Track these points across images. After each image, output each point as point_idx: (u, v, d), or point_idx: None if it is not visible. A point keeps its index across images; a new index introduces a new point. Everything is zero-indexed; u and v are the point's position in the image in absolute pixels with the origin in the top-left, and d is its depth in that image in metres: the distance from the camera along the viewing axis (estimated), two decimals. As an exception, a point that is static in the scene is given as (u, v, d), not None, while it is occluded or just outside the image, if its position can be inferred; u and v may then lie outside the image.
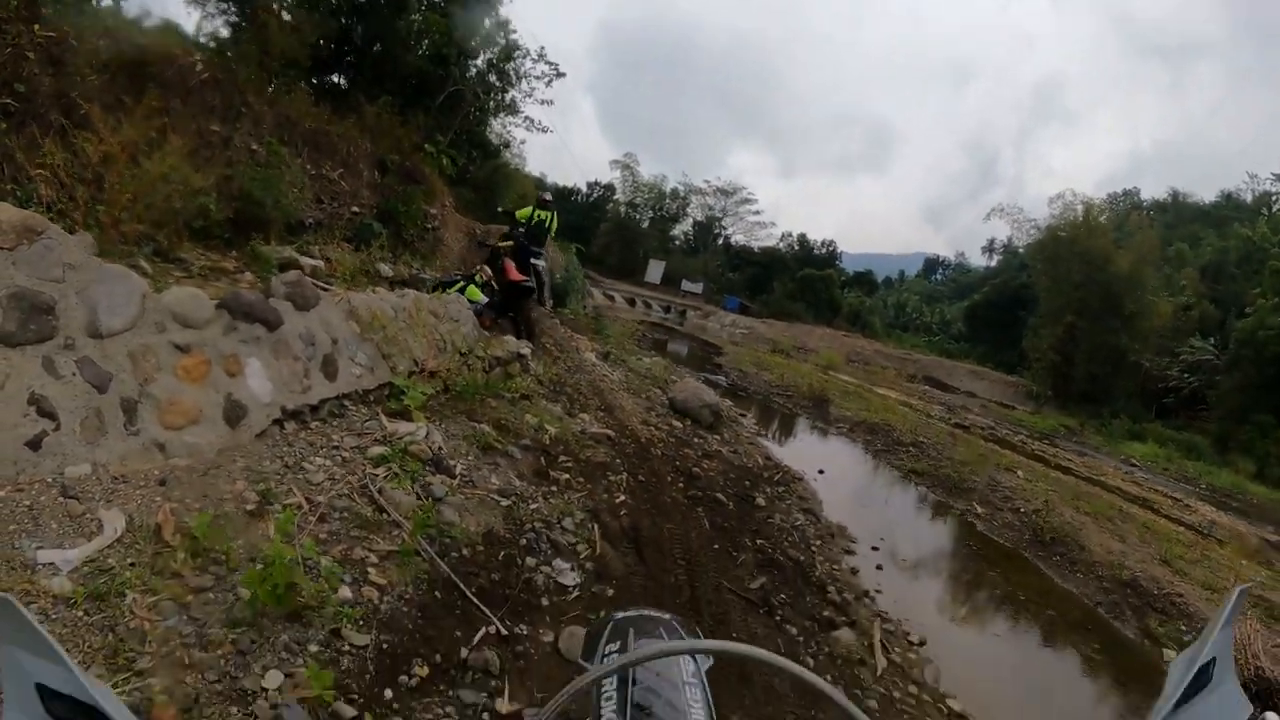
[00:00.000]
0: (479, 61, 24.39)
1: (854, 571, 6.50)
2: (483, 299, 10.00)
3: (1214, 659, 0.74)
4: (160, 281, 5.64)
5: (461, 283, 10.18)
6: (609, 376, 10.73)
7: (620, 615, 1.38)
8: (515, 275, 10.25)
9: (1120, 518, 11.28)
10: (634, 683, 1.12)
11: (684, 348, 26.55)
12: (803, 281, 54.82)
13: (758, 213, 61.55)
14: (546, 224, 11.37)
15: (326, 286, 7.16)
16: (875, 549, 7.43)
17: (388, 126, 12.14)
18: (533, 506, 5.21)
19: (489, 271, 10.45)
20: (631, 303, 39.64)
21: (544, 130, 26.85)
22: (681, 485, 7.18)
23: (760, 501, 7.39)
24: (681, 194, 60.83)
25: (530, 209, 11.37)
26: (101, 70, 6.93)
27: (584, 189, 63.98)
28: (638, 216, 60.26)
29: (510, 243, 10.80)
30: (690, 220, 62.70)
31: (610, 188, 62.17)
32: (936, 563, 8.21)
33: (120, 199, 6.02)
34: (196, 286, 5.78)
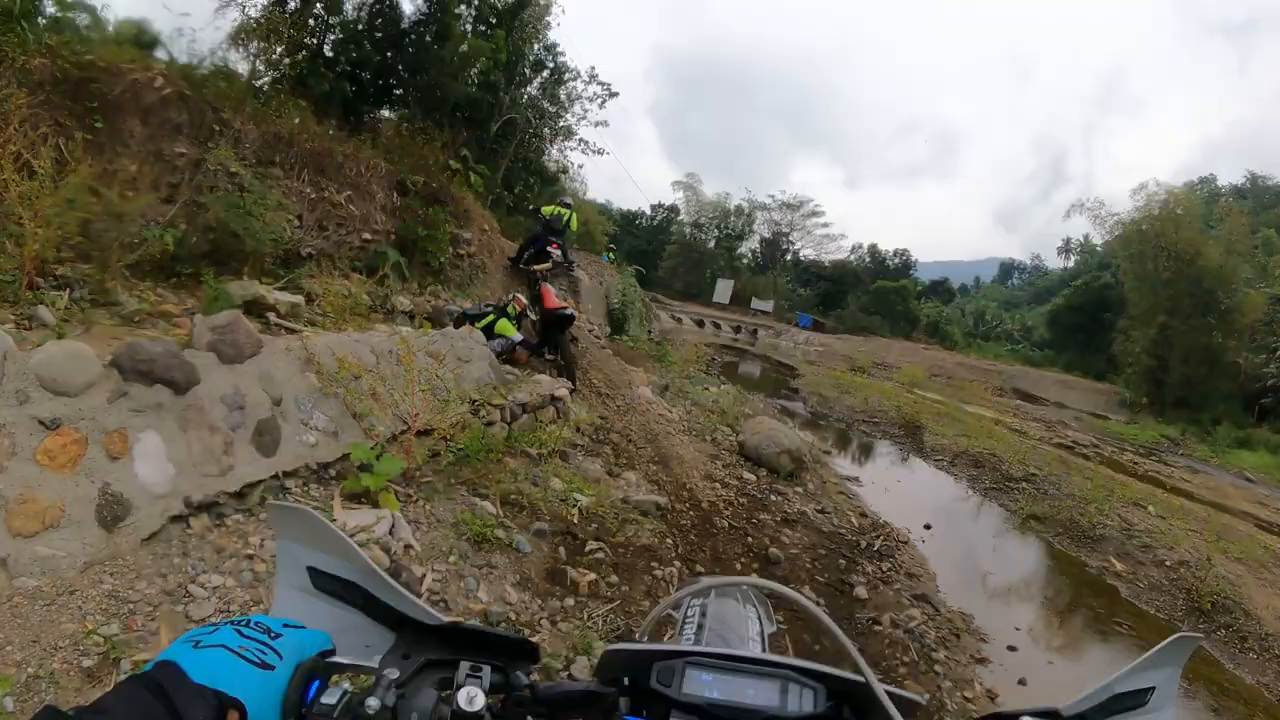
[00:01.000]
0: (531, 88, 23.74)
1: (992, 697, 4.62)
2: (516, 335, 8.48)
3: (1153, 688, 0.83)
4: (61, 330, 4.25)
5: (492, 315, 8.69)
6: (666, 415, 9.04)
7: (709, 579, 1.26)
8: (553, 302, 8.72)
9: (1275, 562, 9.06)
10: (710, 629, 1.29)
11: (756, 370, 24.74)
12: (877, 294, 52.09)
13: (826, 225, 59.03)
14: (565, 219, 12.36)
15: (294, 327, 5.70)
16: (1013, 649, 5.51)
17: (408, 144, 10.75)
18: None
19: (523, 301, 8.95)
20: (700, 324, 37.94)
21: (600, 152, 25.96)
22: (756, 574, 5.42)
23: (861, 592, 5.54)
24: (746, 210, 58.62)
25: (554, 206, 12.53)
26: (34, 93, 5.67)
27: (648, 212, 62.77)
28: (703, 236, 58.37)
29: (548, 264, 9.31)
30: (757, 237, 60.43)
31: (674, 209, 60.63)
32: (1086, 657, 6.22)
33: (32, 235, 4.66)
34: (119, 335, 4.42)
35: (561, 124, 25.47)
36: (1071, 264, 74.93)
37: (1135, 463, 16.88)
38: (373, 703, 0.66)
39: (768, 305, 48.69)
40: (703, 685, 0.80)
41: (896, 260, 61.67)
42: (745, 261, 59.81)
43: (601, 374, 9.55)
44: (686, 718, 0.79)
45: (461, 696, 0.69)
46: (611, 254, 23.41)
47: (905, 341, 45.04)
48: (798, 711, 0.79)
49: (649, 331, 18.74)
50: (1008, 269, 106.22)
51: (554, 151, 26.90)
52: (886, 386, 21.95)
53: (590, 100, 25.52)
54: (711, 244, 58.02)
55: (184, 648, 0.64)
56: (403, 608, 0.77)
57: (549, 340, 8.78)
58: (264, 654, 0.66)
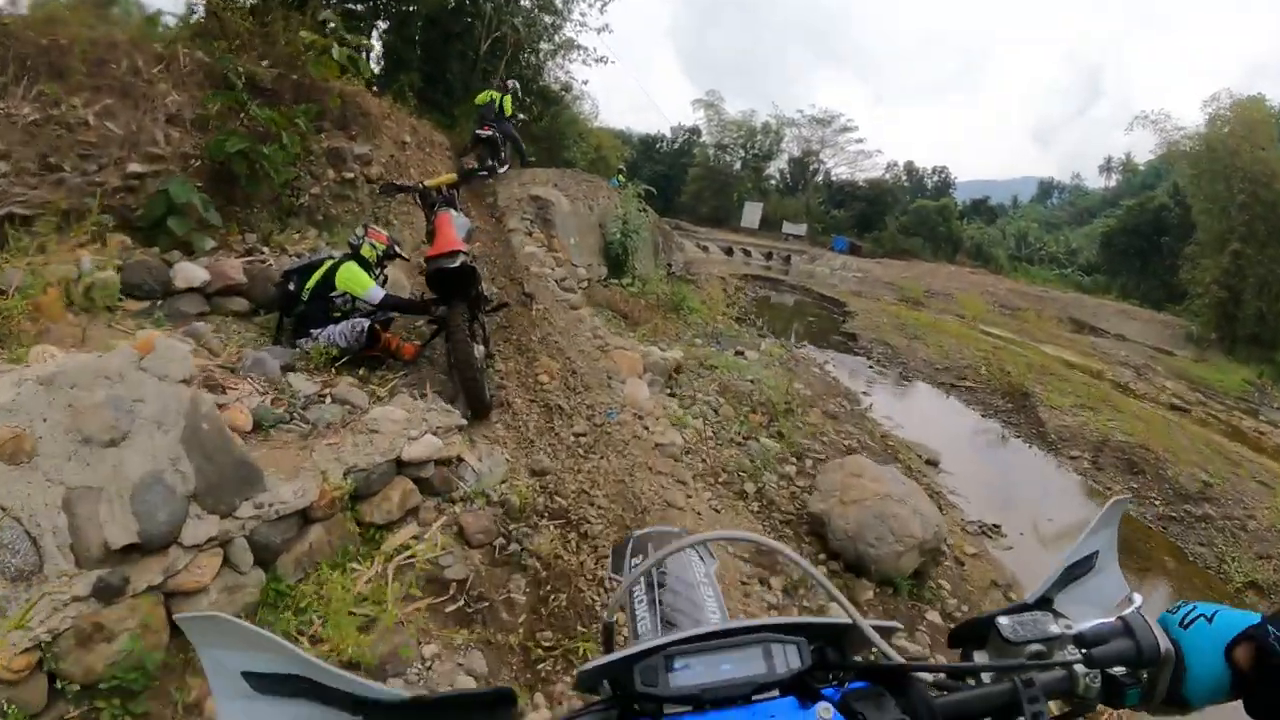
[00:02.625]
0: (524, 1, 19.60)
1: None
2: (373, 289, 4.51)
3: (1097, 552, 0.88)
4: None
5: (328, 263, 4.70)
6: (669, 442, 4.87)
7: (640, 532, 1.43)
8: (450, 241, 4.49)
9: None
10: (660, 585, 1.22)
11: (796, 304, 20.33)
12: (916, 215, 46.65)
13: (859, 141, 53.02)
14: (497, 102, 10.98)
15: None
16: None
17: (237, 23, 6.33)
18: None
19: (384, 235, 4.95)
20: (729, 252, 33.23)
21: (603, 60, 21.76)
22: None
23: None
24: (773, 128, 51.99)
25: (486, 94, 11.32)
26: None
27: (668, 135, 57.43)
28: (728, 158, 52.33)
29: (452, 176, 5.10)
30: (785, 156, 53.93)
31: (695, 131, 54.94)
32: None
33: None
34: None
35: (560, 37, 21.51)
36: (1113, 183, 70.37)
37: (1260, 432, 12.86)
38: None
39: (800, 229, 43.49)
40: (688, 674, 0.71)
41: (935, 178, 55.98)
42: (774, 183, 54.15)
43: (559, 363, 5.39)
44: (680, 708, 0.70)
45: None
46: (621, 177, 19.08)
47: (949, 265, 40.20)
48: (786, 670, 0.72)
49: (668, 266, 14.39)
50: (1047, 188, 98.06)
51: (555, 70, 22.94)
52: (955, 326, 17.47)
53: (590, 4, 21.35)
54: (737, 166, 52.17)
55: None
56: (357, 690, 0.64)
57: (444, 304, 4.62)
58: None
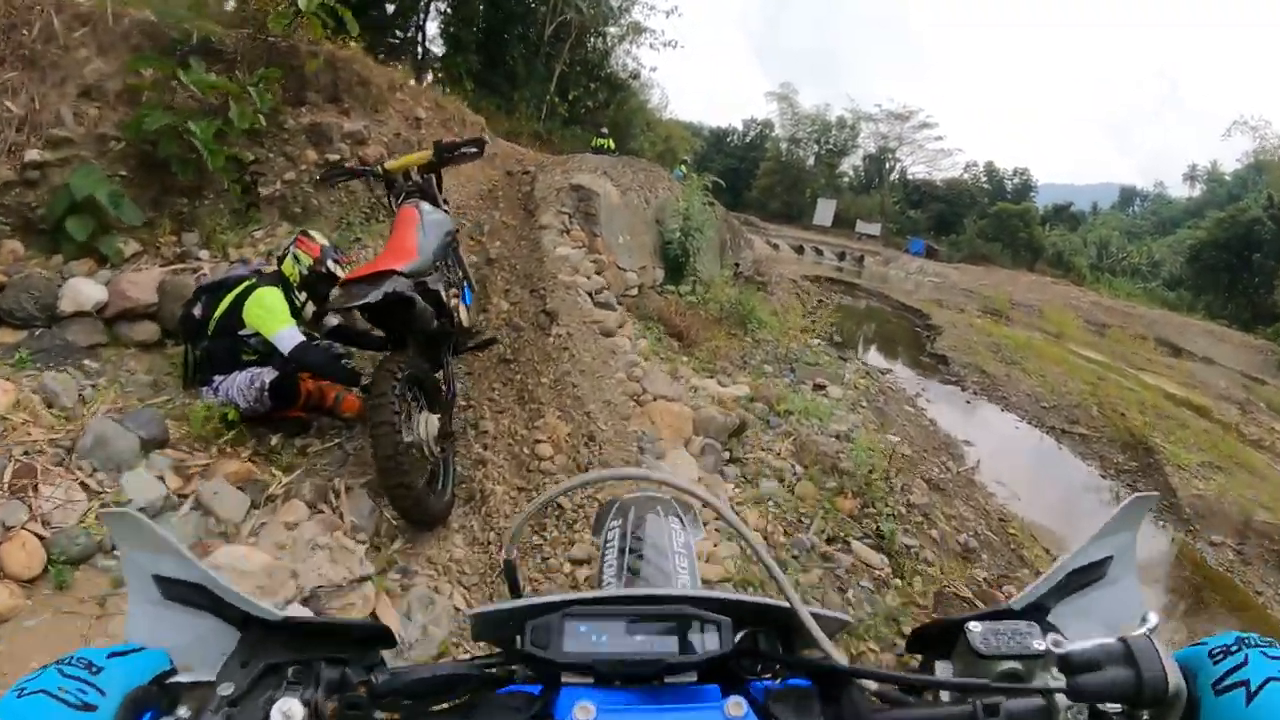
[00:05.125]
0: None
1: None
2: (285, 334, 3.04)
3: (1110, 557, 0.71)
4: None
5: (249, 283, 3.19)
6: (729, 576, 3.25)
7: (626, 496, 1.28)
8: (393, 254, 2.91)
9: None
10: (631, 551, 1.12)
11: (874, 313, 18.36)
12: (996, 218, 43.56)
13: (939, 138, 49.84)
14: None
15: None
16: None
17: None
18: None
19: (317, 245, 3.40)
20: (799, 250, 31.32)
21: (671, 45, 20.37)
22: None
23: None
24: (849, 123, 48.97)
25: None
26: None
27: (740, 128, 55.34)
28: (801, 153, 49.78)
29: (425, 154, 3.59)
30: (860, 153, 51.06)
31: (768, 124, 52.69)
32: None
33: None
34: None
35: (627, 20, 20.19)
36: (1197, 192, 66.26)
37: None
38: None
39: (874, 228, 41.00)
40: (587, 640, 0.60)
41: (1016, 180, 52.44)
42: (848, 180, 51.49)
43: (572, 424, 3.82)
44: (580, 679, 0.60)
45: (274, 713, 0.51)
46: (684, 168, 17.46)
47: (1029, 274, 37.30)
48: (701, 653, 0.60)
49: (735, 265, 12.52)
50: (1129, 195, 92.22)
51: (622, 56, 21.60)
52: (1050, 349, 15.18)
53: (657, -14, 19.99)
54: (810, 161, 49.67)
55: (9, 697, 0.49)
56: (242, 605, 0.61)
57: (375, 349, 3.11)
58: (84, 694, 0.50)
